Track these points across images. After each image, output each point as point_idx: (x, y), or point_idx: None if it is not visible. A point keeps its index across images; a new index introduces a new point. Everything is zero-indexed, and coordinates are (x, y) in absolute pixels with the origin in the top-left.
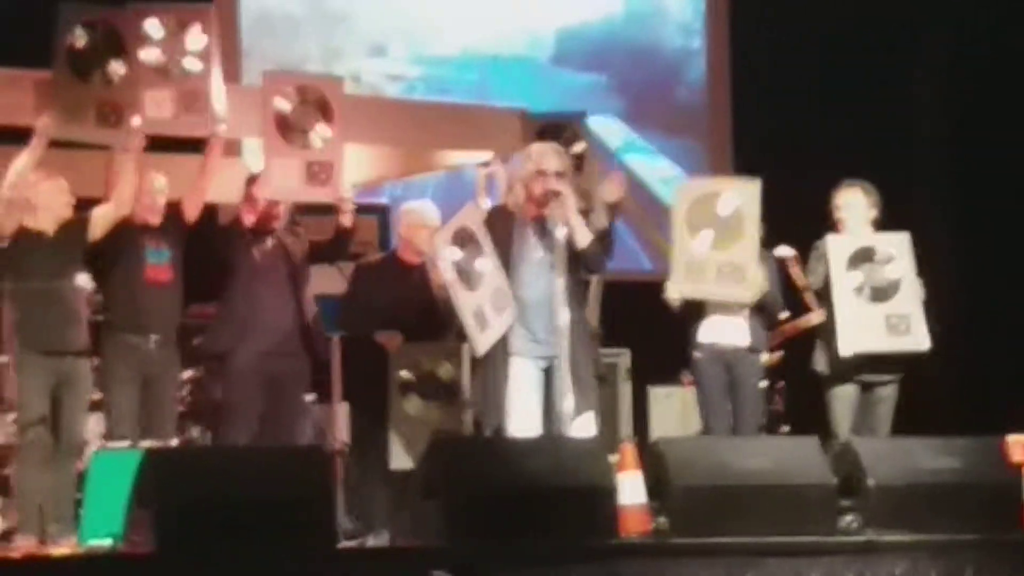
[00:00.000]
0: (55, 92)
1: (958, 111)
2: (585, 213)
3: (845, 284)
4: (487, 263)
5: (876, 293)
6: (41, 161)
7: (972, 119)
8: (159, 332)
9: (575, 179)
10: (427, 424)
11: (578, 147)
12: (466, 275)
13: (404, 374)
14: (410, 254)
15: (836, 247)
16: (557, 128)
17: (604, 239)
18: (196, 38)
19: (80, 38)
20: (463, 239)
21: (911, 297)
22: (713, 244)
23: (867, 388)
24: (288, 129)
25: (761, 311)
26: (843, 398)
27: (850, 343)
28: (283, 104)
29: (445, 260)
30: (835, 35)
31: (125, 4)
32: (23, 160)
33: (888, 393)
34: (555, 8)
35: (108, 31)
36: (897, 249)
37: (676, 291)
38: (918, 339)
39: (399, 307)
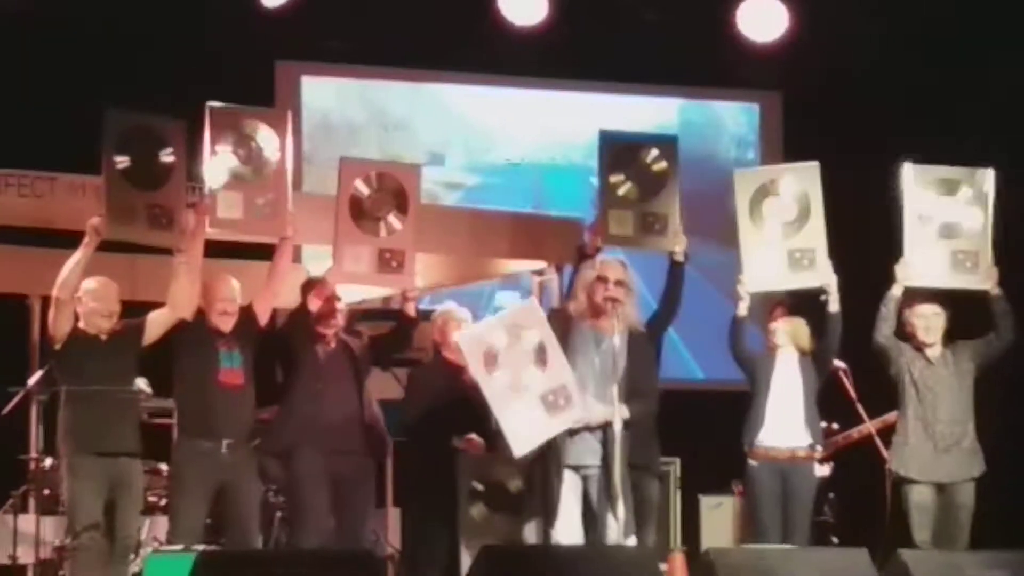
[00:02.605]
0: (105, 195)
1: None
2: (663, 229)
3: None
4: (548, 358)
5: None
6: (92, 263)
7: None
8: (232, 436)
9: (653, 198)
10: (492, 534)
11: (657, 164)
12: (500, 368)
13: (475, 484)
14: (452, 355)
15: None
16: (635, 148)
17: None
18: (271, 142)
19: (123, 149)
20: (512, 339)
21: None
22: (782, 232)
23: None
24: (362, 215)
25: (824, 339)
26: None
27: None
28: (362, 188)
29: (473, 359)
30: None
31: (203, 105)
32: (73, 261)
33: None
34: (610, 117)
35: (153, 135)
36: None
37: (750, 286)
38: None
39: (453, 411)
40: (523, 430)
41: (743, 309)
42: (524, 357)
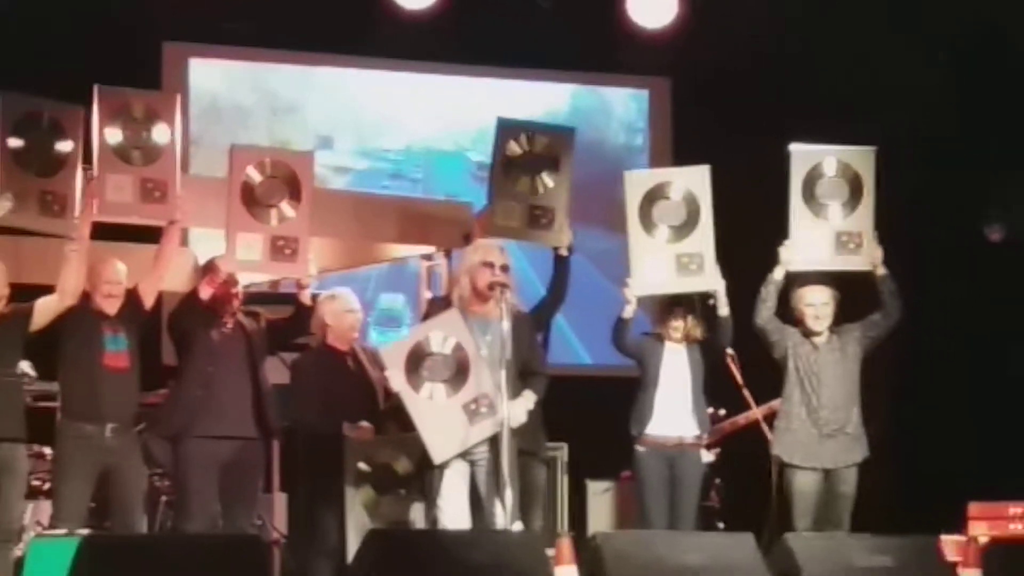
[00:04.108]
0: None
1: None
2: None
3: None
4: (469, 368)
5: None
6: None
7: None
8: (116, 420)
9: (552, 178)
10: (379, 518)
11: (550, 156)
12: (424, 382)
13: (361, 466)
14: (338, 341)
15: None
16: (529, 138)
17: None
18: (160, 125)
19: (19, 133)
20: (421, 352)
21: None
22: (670, 236)
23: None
24: (254, 203)
25: (714, 337)
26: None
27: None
28: (254, 175)
29: (395, 372)
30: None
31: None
32: None
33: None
34: (500, 103)
35: (50, 122)
36: (697, 186)
37: (637, 290)
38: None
39: (341, 396)
40: (442, 438)
41: (629, 312)
42: (445, 366)
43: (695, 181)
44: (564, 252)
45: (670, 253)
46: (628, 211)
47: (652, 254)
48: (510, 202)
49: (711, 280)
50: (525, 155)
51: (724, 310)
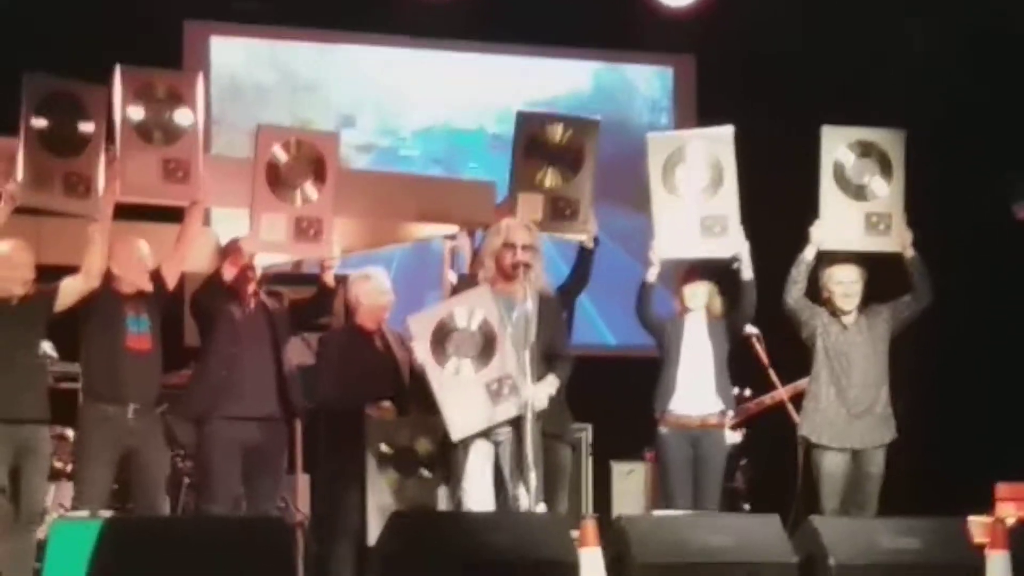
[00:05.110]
0: (23, 160)
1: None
2: (574, 214)
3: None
4: (496, 347)
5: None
6: (6, 228)
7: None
8: (138, 401)
9: (576, 169)
10: (402, 500)
11: (574, 147)
12: (449, 357)
13: (383, 448)
14: (367, 321)
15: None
16: (553, 129)
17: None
18: (182, 106)
19: (43, 113)
20: (447, 327)
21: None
22: (694, 198)
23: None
24: (279, 183)
25: (738, 306)
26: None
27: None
28: (280, 154)
29: (420, 344)
30: (802, 113)
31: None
32: None
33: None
34: (523, 83)
35: (73, 102)
36: (721, 148)
37: (662, 252)
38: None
39: (365, 377)
40: (462, 416)
41: (652, 275)
42: (472, 343)
43: (719, 143)
44: (589, 244)
45: (694, 215)
46: (651, 174)
47: (675, 216)
48: (532, 193)
49: (735, 242)
50: (547, 146)
51: (748, 273)
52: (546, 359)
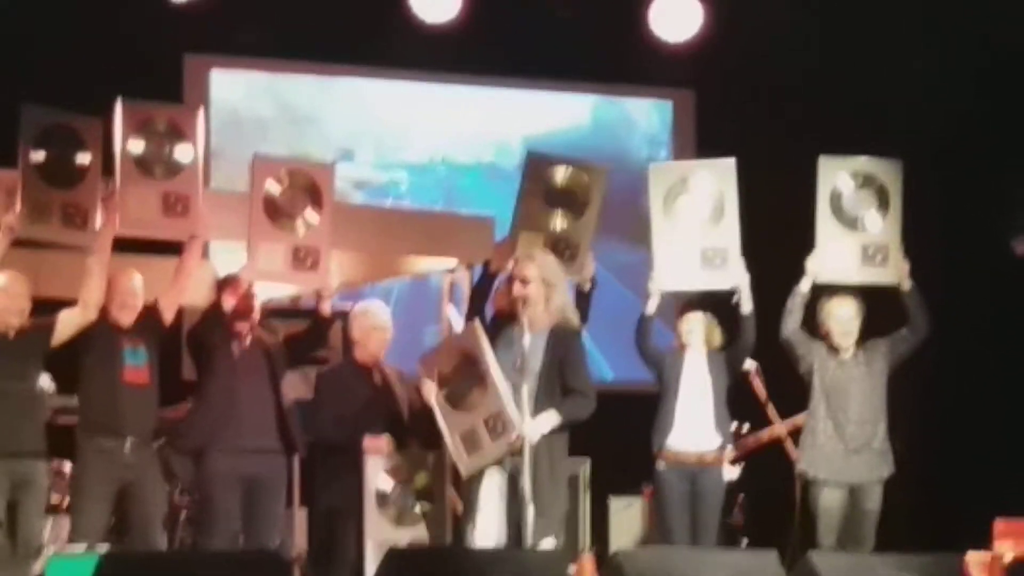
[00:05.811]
0: (21, 192)
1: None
2: (572, 257)
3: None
4: (488, 383)
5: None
6: (5, 260)
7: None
8: (135, 435)
9: (579, 212)
10: (399, 534)
11: (579, 190)
12: (457, 397)
13: (381, 482)
14: (365, 356)
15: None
16: (560, 171)
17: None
18: (182, 139)
19: (41, 145)
20: (458, 360)
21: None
22: (695, 230)
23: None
24: (276, 213)
25: (737, 340)
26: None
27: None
28: (273, 187)
29: (429, 384)
30: (800, 147)
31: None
32: None
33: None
34: (522, 116)
35: (70, 134)
36: (723, 179)
37: (661, 284)
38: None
39: (363, 412)
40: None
41: (652, 307)
42: (470, 378)
43: (721, 174)
44: (585, 288)
45: (694, 247)
46: (652, 204)
47: (675, 247)
48: (533, 232)
49: (735, 274)
50: (554, 187)
51: (748, 306)
52: (564, 392)
